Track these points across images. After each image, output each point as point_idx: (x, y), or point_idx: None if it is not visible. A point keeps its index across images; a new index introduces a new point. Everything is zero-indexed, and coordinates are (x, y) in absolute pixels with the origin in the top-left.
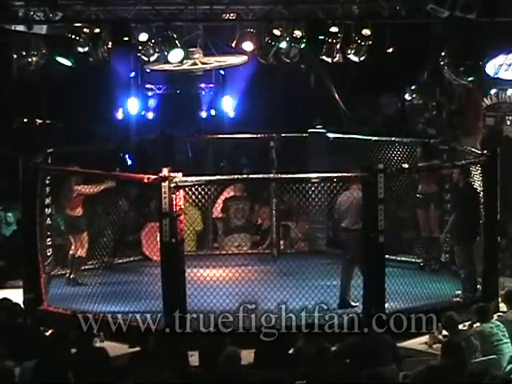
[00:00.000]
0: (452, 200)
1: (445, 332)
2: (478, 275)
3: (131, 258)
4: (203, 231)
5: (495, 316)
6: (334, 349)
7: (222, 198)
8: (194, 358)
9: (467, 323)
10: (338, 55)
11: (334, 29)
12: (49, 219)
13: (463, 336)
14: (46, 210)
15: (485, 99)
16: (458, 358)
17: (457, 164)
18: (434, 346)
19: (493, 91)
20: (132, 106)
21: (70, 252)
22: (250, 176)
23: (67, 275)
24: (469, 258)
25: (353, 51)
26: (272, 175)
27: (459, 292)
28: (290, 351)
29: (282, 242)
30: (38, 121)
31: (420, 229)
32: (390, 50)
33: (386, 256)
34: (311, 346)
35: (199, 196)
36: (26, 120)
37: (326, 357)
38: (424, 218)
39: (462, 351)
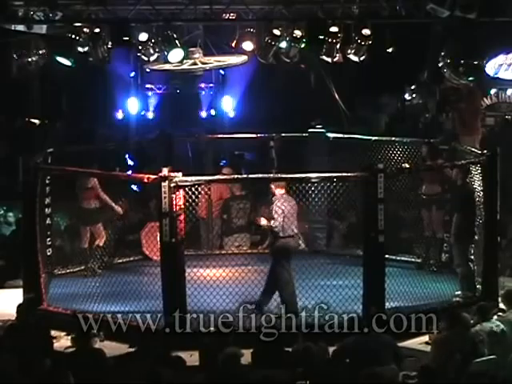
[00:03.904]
0: (453, 200)
1: None
2: (478, 275)
3: (131, 258)
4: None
5: (495, 316)
6: (333, 349)
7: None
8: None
9: None
10: (337, 55)
11: (333, 29)
12: (49, 219)
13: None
14: (46, 209)
15: (485, 99)
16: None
17: (457, 164)
18: None
19: (493, 91)
20: (132, 105)
21: (85, 245)
22: (250, 176)
23: (90, 266)
24: (465, 257)
25: (353, 51)
26: (272, 175)
27: (459, 292)
28: (290, 351)
29: None
30: (38, 121)
31: (423, 228)
32: (390, 50)
33: (386, 256)
34: (310, 345)
35: (199, 196)
36: (26, 120)
37: (324, 357)
38: (427, 217)
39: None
